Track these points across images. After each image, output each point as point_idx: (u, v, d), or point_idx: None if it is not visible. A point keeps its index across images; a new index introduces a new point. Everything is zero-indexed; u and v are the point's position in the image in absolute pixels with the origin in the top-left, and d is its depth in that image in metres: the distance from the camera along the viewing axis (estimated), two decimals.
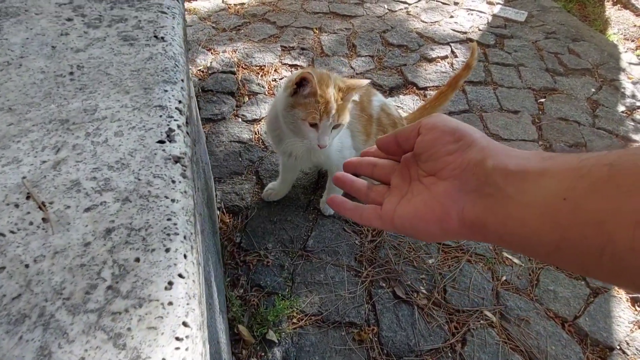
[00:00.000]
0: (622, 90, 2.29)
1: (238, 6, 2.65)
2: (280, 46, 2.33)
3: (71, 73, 0.60)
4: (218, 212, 1.52)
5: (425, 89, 2.16)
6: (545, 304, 1.36)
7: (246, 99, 1.99)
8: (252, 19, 2.55)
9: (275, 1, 2.74)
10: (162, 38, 0.69)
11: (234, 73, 2.12)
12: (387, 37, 2.50)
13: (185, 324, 0.36)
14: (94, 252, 0.40)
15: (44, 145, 0.49)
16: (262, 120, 1.88)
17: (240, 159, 1.71)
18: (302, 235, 1.49)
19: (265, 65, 2.19)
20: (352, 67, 2.25)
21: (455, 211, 0.35)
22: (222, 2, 2.69)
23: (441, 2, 2.91)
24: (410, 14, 2.75)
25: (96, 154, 0.49)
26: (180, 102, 0.58)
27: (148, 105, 0.56)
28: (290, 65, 2.21)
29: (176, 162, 0.50)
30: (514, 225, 0.31)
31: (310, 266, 1.40)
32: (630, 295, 1.40)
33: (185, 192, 0.48)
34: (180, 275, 0.40)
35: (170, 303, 0.37)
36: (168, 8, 0.75)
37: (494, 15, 2.84)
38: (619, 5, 3.38)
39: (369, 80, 1.17)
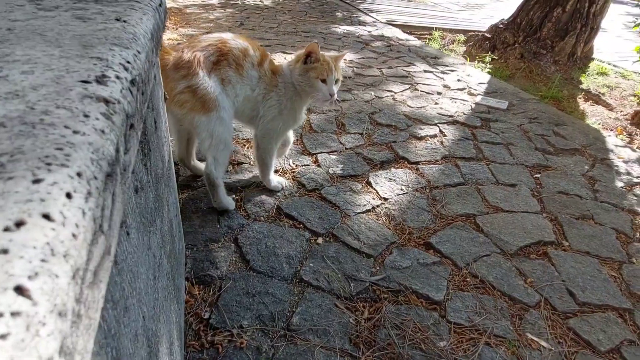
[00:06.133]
0: (616, 168, 2.27)
1: None
2: None
3: None
4: (186, 282, 1.28)
5: (417, 163, 2.09)
6: None
7: (231, 168, 1.88)
8: None
9: None
10: (125, 21, 0.58)
11: None
12: (375, 117, 2.53)
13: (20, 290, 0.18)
14: None
15: None
16: (246, 189, 1.74)
17: (218, 226, 1.53)
18: (285, 311, 1.24)
19: (252, 139, 2.13)
20: (341, 143, 2.21)
21: None
22: None
23: (425, 92, 3.05)
24: (396, 100, 2.84)
25: None
26: (129, 62, 0.45)
27: (82, 56, 0.43)
28: None
29: (101, 101, 0.35)
30: None
31: (295, 349, 1.13)
32: None
33: (102, 132, 0.31)
34: (46, 217, 0.21)
35: (5, 251, 0.19)
36: (138, 3, 0.67)
37: (477, 103, 2.95)
38: (590, 102, 3.60)
39: (347, 51, 1.48)
